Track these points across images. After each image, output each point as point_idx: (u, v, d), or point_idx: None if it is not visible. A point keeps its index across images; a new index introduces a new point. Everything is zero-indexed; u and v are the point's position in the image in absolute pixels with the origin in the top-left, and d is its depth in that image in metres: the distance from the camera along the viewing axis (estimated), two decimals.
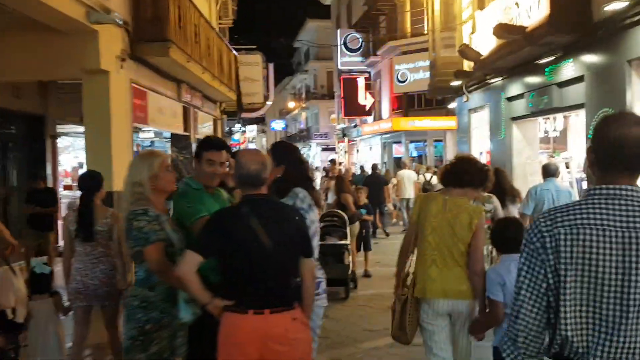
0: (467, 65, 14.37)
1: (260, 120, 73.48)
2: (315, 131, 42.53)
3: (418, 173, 14.67)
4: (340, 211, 8.04)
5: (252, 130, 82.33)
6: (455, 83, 14.49)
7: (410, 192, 13.86)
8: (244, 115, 31.75)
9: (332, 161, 14.99)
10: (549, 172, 6.58)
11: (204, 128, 13.90)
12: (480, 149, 14.53)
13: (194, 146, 12.40)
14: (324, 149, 41.39)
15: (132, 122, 8.51)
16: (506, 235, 3.31)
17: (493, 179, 6.20)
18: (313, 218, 3.15)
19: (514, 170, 12.11)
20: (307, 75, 45.27)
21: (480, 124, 14.60)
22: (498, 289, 3.12)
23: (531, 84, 11.23)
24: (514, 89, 12.03)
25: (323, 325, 6.13)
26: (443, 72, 15.29)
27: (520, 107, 11.90)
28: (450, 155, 22.03)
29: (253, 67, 20.14)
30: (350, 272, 7.49)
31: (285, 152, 3.43)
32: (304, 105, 45.40)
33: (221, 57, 13.01)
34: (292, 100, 50.83)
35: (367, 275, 8.88)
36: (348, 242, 7.75)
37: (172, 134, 12.22)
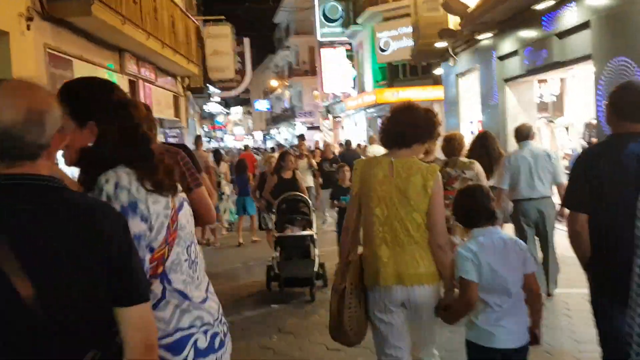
0: (453, 23, 12.89)
1: (245, 102, 71.91)
2: (300, 110, 40.94)
3: None
4: (302, 195, 6.68)
5: (237, 112, 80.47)
6: (441, 44, 13.02)
7: None
8: (223, 95, 30.21)
9: (301, 137, 13.57)
10: (522, 134, 5.64)
11: (160, 105, 12.38)
12: (471, 118, 13.14)
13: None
14: (309, 128, 39.77)
15: None
16: (474, 205, 2.66)
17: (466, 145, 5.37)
18: (155, 210, 1.69)
19: (508, 140, 10.74)
20: (288, 51, 43.48)
21: (469, 90, 13.20)
22: (471, 266, 2.53)
23: (526, 38, 9.82)
24: (507, 45, 10.60)
25: (273, 343, 4.90)
26: (426, 33, 13.79)
27: (514, 66, 10.49)
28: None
29: (222, 39, 18.56)
30: (317, 267, 6.12)
31: (94, 96, 1.77)
32: (286, 83, 43.70)
33: (174, 23, 11.46)
34: (275, 78, 49.07)
35: None
36: (314, 232, 6.40)
37: None
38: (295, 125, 44.18)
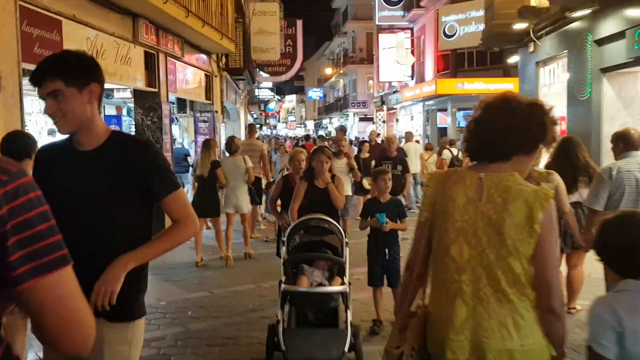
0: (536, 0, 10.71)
1: (300, 89, 70.49)
2: (353, 99, 38.97)
3: (443, 148, 12.57)
4: (333, 222, 4.30)
5: (291, 100, 79.30)
6: (520, 26, 10.84)
7: (416, 166, 12.08)
8: (269, 79, 28.67)
9: (341, 129, 11.79)
10: (629, 142, 4.28)
11: (188, 85, 10.83)
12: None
13: (165, 107, 9.38)
14: (361, 119, 37.87)
15: (21, 63, 5.49)
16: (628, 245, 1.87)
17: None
18: None
19: (602, 145, 8.57)
20: (345, 38, 41.51)
21: (553, 81, 10.97)
22: (610, 337, 1.82)
23: (637, 18, 7.61)
24: (609, 26, 8.39)
25: None
26: (502, 13, 11.62)
27: (616, 52, 8.27)
28: None
29: (269, 17, 16.90)
30: (349, 342, 3.85)
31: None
32: (341, 72, 41.78)
33: None
34: (329, 66, 47.24)
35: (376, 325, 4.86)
36: (346, 284, 4.11)
37: (134, 90, 9.24)
38: (347, 115, 42.29)
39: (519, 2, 10.97)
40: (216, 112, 12.59)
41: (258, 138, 16.75)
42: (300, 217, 4.51)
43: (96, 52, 7.12)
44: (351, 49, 39.64)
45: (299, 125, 72.79)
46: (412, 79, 24.23)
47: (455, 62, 20.16)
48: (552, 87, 10.93)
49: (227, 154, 8.04)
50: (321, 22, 45.10)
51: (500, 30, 11.75)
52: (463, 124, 21.68)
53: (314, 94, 53.81)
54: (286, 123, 80.00)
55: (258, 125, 63.03)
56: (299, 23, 25.62)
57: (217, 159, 7.76)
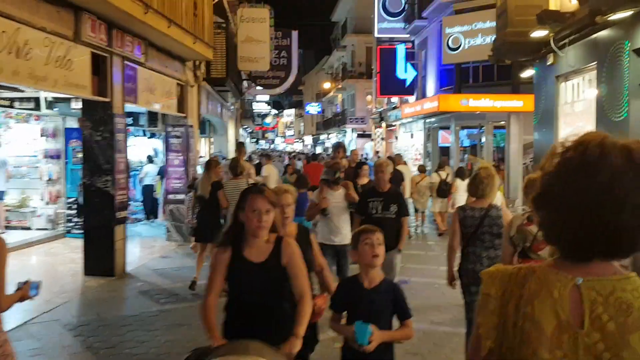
0: (560, 3, 9.29)
1: (299, 104, 69.19)
2: (351, 115, 37.56)
3: (444, 171, 12.32)
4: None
5: (290, 114, 78.02)
6: (539, 33, 9.40)
7: (406, 193, 11.60)
8: (260, 92, 27.28)
9: (339, 146, 10.35)
10: None
11: (155, 95, 9.34)
12: (575, 132, 9.42)
13: (120, 120, 7.87)
14: (359, 136, 36.43)
15: None
16: None
17: None
18: None
19: None
20: (344, 52, 40.22)
21: (577, 98, 9.50)
22: None
23: None
24: None
25: None
26: (517, 19, 10.19)
27: None
28: (514, 145, 16.83)
29: (258, 24, 15.50)
30: None
31: None
32: (339, 86, 40.43)
33: None
34: (328, 80, 45.95)
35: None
36: None
37: (83, 101, 7.75)
38: (345, 131, 40.89)
39: (537, 7, 9.54)
40: (191, 126, 11.09)
41: (252, 157, 15.33)
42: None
43: (16, 49, 5.62)
44: (350, 63, 38.35)
45: (297, 140, 71.53)
46: (413, 94, 22.81)
47: (459, 77, 18.74)
48: (575, 106, 9.46)
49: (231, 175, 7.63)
50: (322, 36, 44.07)
51: (515, 40, 10.31)
52: (467, 143, 20.21)
53: (312, 108, 52.51)
54: (284, 137, 78.76)
55: (254, 140, 61.81)
56: (294, 34, 24.27)
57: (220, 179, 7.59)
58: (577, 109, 9.34)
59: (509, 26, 10.31)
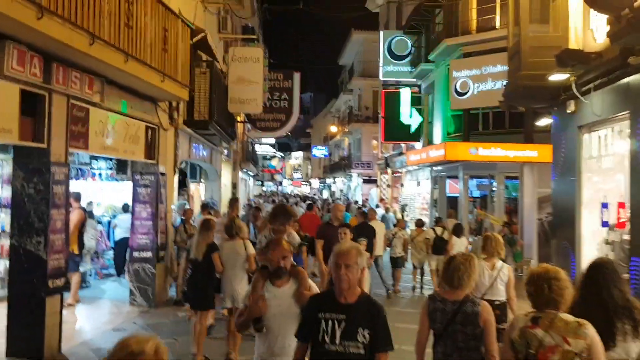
0: (582, 42, 8.08)
1: (307, 147, 68.50)
2: (357, 159, 36.40)
3: (441, 227, 12.15)
4: None
5: (297, 157, 77.29)
6: (558, 77, 8.16)
7: (380, 249, 11.14)
8: (258, 135, 26.25)
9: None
10: None
11: (115, 140, 8.10)
12: (603, 194, 8.00)
13: (59, 169, 6.61)
14: (365, 181, 35.16)
15: None
16: None
17: None
18: None
19: None
20: (350, 95, 39.45)
21: (603, 152, 8.13)
22: None
23: None
24: None
25: None
26: (532, 61, 8.98)
27: None
28: (528, 198, 15.37)
29: (251, 64, 14.44)
30: None
31: None
32: (346, 130, 39.47)
33: (133, 14, 7.25)
34: (335, 124, 45.14)
35: None
36: None
37: (14, 148, 6.51)
38: (351, 176, 39.70)
39: (554, 48, 8.32)
40: (162, 174, 9.82)
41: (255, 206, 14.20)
42: None
43: None
44: (356, 106, 37.50)
45: (305, 183, 70.53)
46: (419, 140, 21.57)
47: (467, 124, 17.50)
48: (602, 161, 8.08)
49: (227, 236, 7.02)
50: (332, 79, 43.71)
51: (529, 84, 9.08)
52: (476, 193, 18.80)
53: (318, 152, 51.61)
54: (292, 180, 77.82)
55: (259, 182, 60.79)
56: (297, 76, 23.34)
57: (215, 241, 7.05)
58: (605, 165, 7.96)
59: (523, 69, 9.09)
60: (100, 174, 12.69)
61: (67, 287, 6.94)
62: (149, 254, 9.62)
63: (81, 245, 9.86)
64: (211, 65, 11.65)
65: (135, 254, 9.68)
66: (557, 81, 8.32)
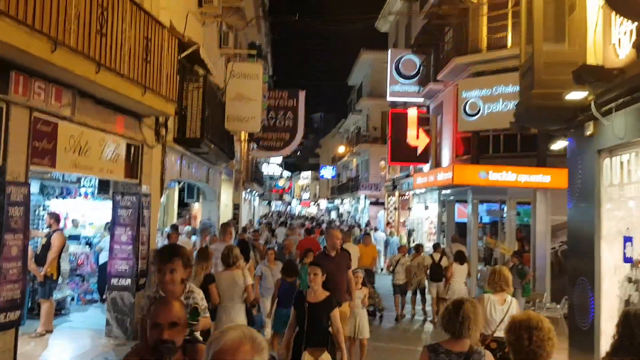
0: (599, 56, 7.36)
1: (315, 167, 67.95)
2: (365, 181, 35.64)
3: (438, 252, 12.33)
4: None
5: (306, 177, 76.70)
6: (576, 95, 7.40)
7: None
8: (261, 155, 25.64)
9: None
10: None
11: (87, 157, 7.43)
12: (625, 225, 7.16)
13: (15, 189, 5.95)
14: (372, 203, 34.33)
15: None
16: None
17: None
18: None
19: None
20: (359, 115, 38.89)
21: (626, 180, 7.31)
22: None
23: None
24: None
25: None
26: (546, 79, 8.23)
27: None
28: (541, 225, 14.50)
29: (250, 80, 13.86)
30: None
31: None
32: (354, 150, 38.80)
33: (108, 21, 6.64)
34: (343, 144, 44.53)
35: None
36: None
37: None
38: (359, 197, 38.90)
39: (571, 64, 7.58)
40: (145, 195, 9.14)
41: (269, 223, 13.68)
42: None
43: None
44: (365, 127, 36.89)
45: (313, 203, 69.84)
46: (427, 162, 20.80)
47: (477, 146, 16.72)
48: (625, 189, 7.26)
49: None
50: (343, 99, 43.32)
51: (543, 104, 8.30)
52: (486, 219, 17.93)
53: (326, 172, 50.92)
54: (300, 200, 77.13)
55: (265, 202, 60.16)
56: (302, 95, 22.78)
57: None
58: (629, 194, 7.14)
59: (536, 87, 8.32)
60: (93, 193, 12.06)
61: (20, 321, 6.20)
62: (127, 282, 8.90)
63: (59, 270, 9.20)
64: (205, 80, 11.03)
65: (114, 280, 8.95)
66: (573, 100, 7.55)
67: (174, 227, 11.74)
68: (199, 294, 4.26)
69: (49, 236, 8.87)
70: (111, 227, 9.16)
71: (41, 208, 10.66)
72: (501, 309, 5.48)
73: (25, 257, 6.25)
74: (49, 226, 9.12)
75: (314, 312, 5.30)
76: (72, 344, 8.47)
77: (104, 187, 10.50)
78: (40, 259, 8.79)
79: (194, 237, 13.25)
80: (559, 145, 9.74)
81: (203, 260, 6.72)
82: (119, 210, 9.01)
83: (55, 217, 9.30)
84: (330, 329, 5.30)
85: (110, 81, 6.87)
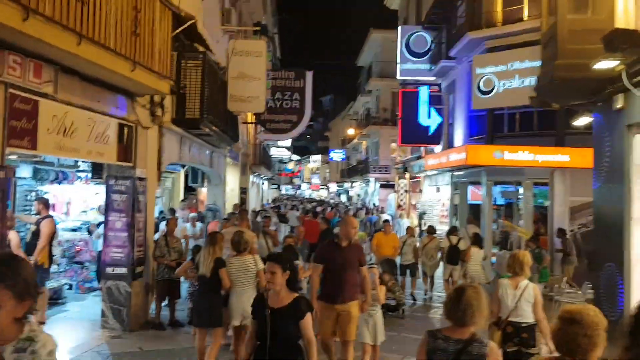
0: (630, 20, 6.67)
1: (325, 150, 67.32)
2: (374, 163, 35.00)
3: (455, 235, 11.95)
4: None
5: (316, 160, 76.11)
6: (606, 64, 6.73)
7: None
8: (268, 137, 25.07)
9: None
10: None
11: (74, 139, 6.89)
12: None
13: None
14: (382, 186, 33.72)
15: None
16: None
17: None
18: None
19: None
20: (369, 97, 38.10)
21: None
22: None
23: None
24: None
25: None
26: (571, 48, 7.56)
27: None
28: (559, 207, 13.86)
29: (252, 58, 13.21)
30: None
31: None
32: (363, 133, 38.11)
33: None
34: (352, 127, 43.81)
35: None
36: None
37: None
38: (368, 180, 38.30)
39: (599, 31, 6.90)
40: (140, 179, 8.61)
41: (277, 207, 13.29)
42: None
43: None
44: (375, 108, 36.12)
45: (323, 187, 69.37)
46: (439, 143, 20.11)
47: (492, 125, 16.01)
48: None
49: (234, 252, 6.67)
50: (353, 81, 42.47)
51: (567, 75, 7.63)
52: (501, 201, 17.28)
53: (336, 155, 50.29)
54: (310, 184, 76.71)
55: (274, 186, 59.73)
56: (309, 75, 22.05)
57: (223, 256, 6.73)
58: None
59: (560, 57, 7.66)
60: (87, 177, 11.57)
61: None
62: (123, 270, 8.42)
63: (51, 258, 8.73)
64: (204, 58, 10.42)
65: (109, 270, 8.48)
66: (602, 71, 6.89)
67: (172, 211, 11.21)
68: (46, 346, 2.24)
69: (38, 223, 8.39)
70: (105, 213, 8.66)
71: (34, 194, 10.19)
72: (513, 294, 5.36)
73: (4, 246, 5.75)
74: (38, 212, 8.64)
75: (277, 321, 4.05)
76: (64, 337, 8.01)
77: (97, 170, 10.00)
78: (30, 247, 8.32)
79: (199, 225, 12.76)
80: (582, 121, 9.07)
81: (211, 245, 6.63)
82: (113, 195, 8.50)
83: (45, 203, 8.82)
84: (300, 341, 4.13)
85: (95, 54, 6.29)
